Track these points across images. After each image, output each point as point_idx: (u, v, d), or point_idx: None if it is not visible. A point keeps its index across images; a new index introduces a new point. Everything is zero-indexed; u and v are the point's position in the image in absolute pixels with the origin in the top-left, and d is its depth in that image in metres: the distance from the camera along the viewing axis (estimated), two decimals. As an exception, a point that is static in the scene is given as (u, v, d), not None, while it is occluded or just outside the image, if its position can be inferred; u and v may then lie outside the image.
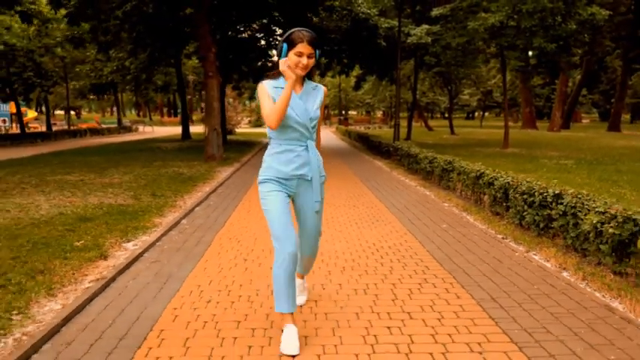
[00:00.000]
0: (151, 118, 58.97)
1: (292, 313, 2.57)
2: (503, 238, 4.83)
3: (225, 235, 4.93)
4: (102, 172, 9.75)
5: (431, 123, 39.98)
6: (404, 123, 23.01)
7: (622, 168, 10.80)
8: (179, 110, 68.23)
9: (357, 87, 28.50)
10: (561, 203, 4.48)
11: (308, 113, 2.55)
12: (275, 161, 2.57)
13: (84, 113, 76.77)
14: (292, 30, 2.51)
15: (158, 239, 4.65)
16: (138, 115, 69.60)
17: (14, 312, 2.87)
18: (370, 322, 2.87)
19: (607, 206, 3.96)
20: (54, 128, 29.48)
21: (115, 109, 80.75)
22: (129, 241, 4.55)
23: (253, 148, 17.71)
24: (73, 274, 3.57)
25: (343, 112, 57.57)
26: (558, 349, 2.52)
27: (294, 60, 2.47)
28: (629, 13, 31.86)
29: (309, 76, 2.64)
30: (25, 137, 21.65)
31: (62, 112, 58.27)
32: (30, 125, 36.44)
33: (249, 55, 19.41)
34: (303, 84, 2.61)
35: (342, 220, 5.66)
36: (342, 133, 29.23)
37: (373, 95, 42.37)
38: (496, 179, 5.93)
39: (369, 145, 16.58)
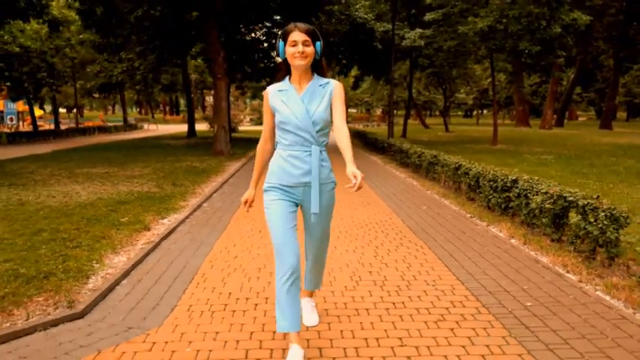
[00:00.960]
0: (153, 116, 59.95)
1: (298, 332, 2.38)
2: (471, 217, 5.84)
3: (240, 215, 5.94)
4: (123, 165, 10.76)
5: (428, 121, 40.99)
6: (402, 121, 24.04)
7: (596, 162, 11.81)
8: (181, 108, 69.41)
9: (355, 86, 29.54)
10: (516, 187, 5.49)
11: (310, 116, 2.35)
12: (279, 168, 2.43)
13: (85, 111, 77.76)
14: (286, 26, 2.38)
15: (187, 217, 5.65)
16: (140, 113, 70.60)
17: (94, 262, 3.88)
18: (356, 268, 3.88)
19: (549, 187, 4.97)
20: (60, 126, 30.48)
21: (115, 107, 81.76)
22: (163, 218, 5.56)
23: (257, 145, 18.70)
24: (127, 239, 4.58)
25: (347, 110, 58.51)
26: (489, 283, 3.53)
27: (290, 52, 2.32)
28: (620, 15, 32.79)
29: (320, 72, 2.45)
30: (38, 135, 22.66)
31: (64, 111, 59.26)
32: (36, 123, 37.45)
33: (252, 56, 20.42)
34: (309, 81, 2.41)
35: (338, 204, 6.66)
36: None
37: (371, 94, 43.44)
38: (470, 169, 6.94)
39: (366, 142, 17.59)
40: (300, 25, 2.34)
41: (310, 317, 2.82)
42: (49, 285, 3.31)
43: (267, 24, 20.23)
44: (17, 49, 19.38)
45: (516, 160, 12.33)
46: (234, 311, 3.05)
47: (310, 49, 2.32)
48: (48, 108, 51.64)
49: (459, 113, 75.03)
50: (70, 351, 2.53)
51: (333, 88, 2.42)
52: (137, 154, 13.80)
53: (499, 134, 18.44)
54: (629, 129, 34.99)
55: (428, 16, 16.66)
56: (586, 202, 4.24)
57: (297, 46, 2.30)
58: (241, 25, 18.89)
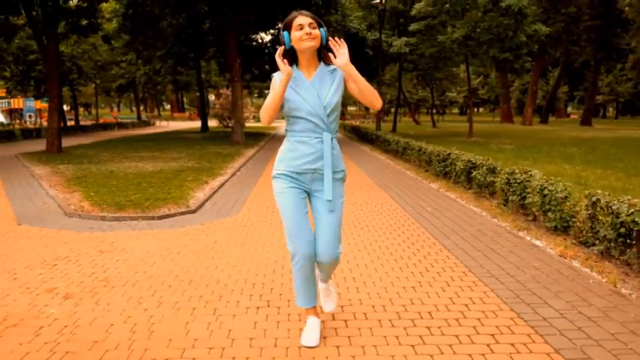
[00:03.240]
0: (159, 114, 62.67)
1: (314, 307, 2.58)
2: (421, 179, 8.57)
3: (264, 178, 8.66)
4: (162, 151, 13.48)
5: (422, 118, 43.79)
6: (401, 117, 26.79)
7: (543, 150, 14.51)
8: (185, 106, 72.12)
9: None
10: (450, 158, 8.22)
11: (321, 101, 2.35)
12: (287, 154, 2.43)
13: (91, 109, 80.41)
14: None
15: (228, 179, 8.39)
16: (144, 110, 73.21)
17: (186, 194, 6.61)
18: (339, 199, 6.63)
19: (466, 157, 7.69)
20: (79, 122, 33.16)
21: (120, 104, 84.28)
22: (214, 179, 8.29)
23: (265, 137, 21.44)
24: (198, 187, 7.31)
25: (342, 107, 61.39)
26: (414, 204, 6.27)
27: (297, 36, 2.30)
28: (597, 19, 35.48)
29: (326, 58, 2.41)
30: (68, 129, 25.35)
31: (67, 108, 61.99)
32: (53, 120, 40.14)
33: (259, 60, 23.14)
34: (317, 68, 2.40)
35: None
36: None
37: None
38: (427, 149, 9.67)
39: (359, 135, 20.34)
40: (303, 11, 2.35)
41: (326, 304, 2.70)
42: (169, 202, 6.05)
43: (272, 31, 22.94)
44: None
45: (480, 148, 14.99)
46: (273, 212, 5.79)
47: (317, 32, 2.31)
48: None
49: (455, 111, 77.83)
50: (198, 221, 5.26)
51: (342, 76, 2.42)
52: (167, 144, 16.52)
53: (480, 129, 21.16)
54: (609, 126, 37.63)
55: (412, 27, 19.37)
56: (479, 163, 6.98)
57: (303, 28, 2.29)
58: (250, 34, 21.60)
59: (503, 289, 3.25)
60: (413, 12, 19.30)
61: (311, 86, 2.36)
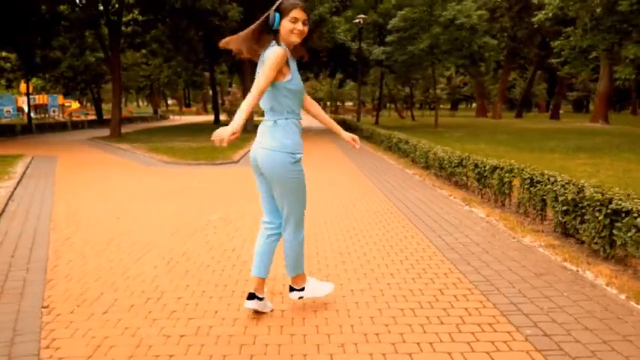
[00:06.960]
0: (167, 109, 67.21)
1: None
2: (373, 152, 13.21)
3: (272, 151, 13.31)
4: (193, 136, 18.11)
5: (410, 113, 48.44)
6: (387, 113, 31.43)
7: (479, 136, 19.09)
8: (190, 102, 76.67)
9: (341, 86, 36.94)
10: (391, 137, 12.86)
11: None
12: (299, 138, 2.68)
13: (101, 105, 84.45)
14: None
15: (248, 151, 13.02)
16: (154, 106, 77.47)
17: (229, 155, 11.25)
18: (316, 164, 11.28)
19: (399, 136, 12.34)
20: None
21: (126, 100, 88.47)
22: (241, 149, 12.90)
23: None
24: (234, 152, 11.93)
25: (338, 103, 66.22)
26: (372, 170, 10.93)
27: (288, 27, 2.43)
28: (562, 25, 39.98)
29: (293, 50, 2.58)
30: (101, 122, 29.93)
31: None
32: (74, 114, 44.77)
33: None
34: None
35: (316, 154, 14.03)
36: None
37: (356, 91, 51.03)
38: (380, 133, 14.31)
39: (344, 126, 25.01)
40: (301, 1, 2.45)
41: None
42: (220, 158, 10.69)
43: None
44: (92, 59, 26.69)
45: (435, 135, 19.54)
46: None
47: (306, 29, 2.48)
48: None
49: (447, 106, 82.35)
50: (240, 166, 9.91)
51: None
52: (192, 132, 21.15)
53: (451, 122, 25.64)
54: (574, 119, 41.73)
55: (388, 38, 23.97)
56: (403, 138, 11.64)
57: (297, 23, 2.42)
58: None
59: (384, 189, 7.92)
60: (389, 26, 23.85)
61: (296, 70, 2.60)
